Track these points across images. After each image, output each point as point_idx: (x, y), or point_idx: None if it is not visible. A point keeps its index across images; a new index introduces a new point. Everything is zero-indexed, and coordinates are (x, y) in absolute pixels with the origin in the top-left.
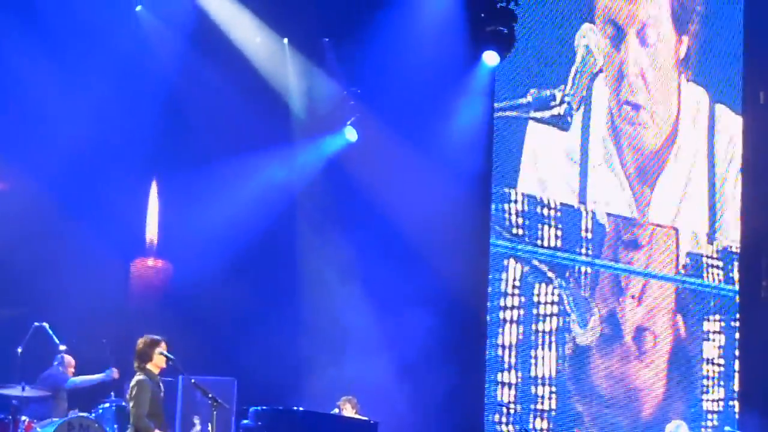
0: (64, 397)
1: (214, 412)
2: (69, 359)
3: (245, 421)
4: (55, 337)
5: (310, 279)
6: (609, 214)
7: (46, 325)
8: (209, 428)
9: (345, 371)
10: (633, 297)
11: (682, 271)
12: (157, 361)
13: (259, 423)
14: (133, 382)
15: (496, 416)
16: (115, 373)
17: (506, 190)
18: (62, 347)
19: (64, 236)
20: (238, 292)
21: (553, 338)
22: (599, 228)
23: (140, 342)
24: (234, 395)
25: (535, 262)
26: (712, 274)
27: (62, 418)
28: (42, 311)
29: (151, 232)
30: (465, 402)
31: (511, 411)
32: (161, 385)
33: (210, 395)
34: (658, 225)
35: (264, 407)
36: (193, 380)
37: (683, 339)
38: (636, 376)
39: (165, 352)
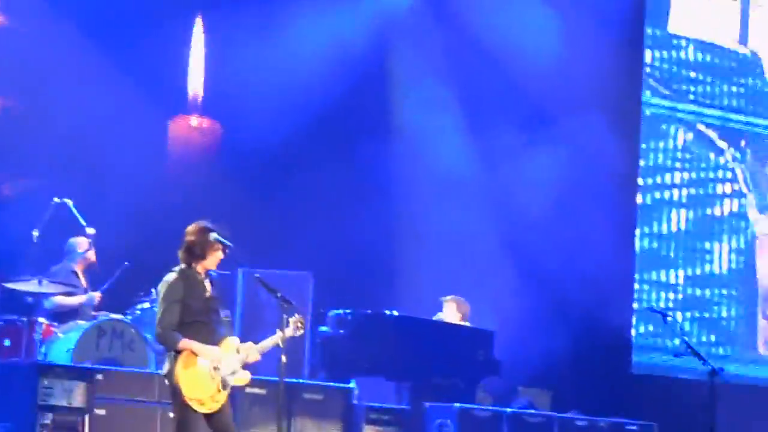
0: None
1: (285, 316)
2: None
3: (323, 328)
4: (80, 218)
5: (404, 149)
6: None
7: (69, 201)
8: (278, 335)
9: (449, 267)
10: None
11: None
12: (211, 259)
13: (341, 330)
14: (162, 282)
15: (649, 327)
16: (96, 298)
17: (662, 32)
18: (90, 230)
19: (86, 85)
20: (311, 163)
21: (725, 226)
22: None
23: (190, 231)
24: (310, 294)
25: (701, 127)
26: None
27: (90, 321)
28: (61, 184)
29: (195, 83)
30: (607, 307)
31: (669, 320)
32: (207, 284)
33: (278, 294)
34: None
35: (347, 311)
36: (257, 274)
37: None
38: None
39: (220, 237)
